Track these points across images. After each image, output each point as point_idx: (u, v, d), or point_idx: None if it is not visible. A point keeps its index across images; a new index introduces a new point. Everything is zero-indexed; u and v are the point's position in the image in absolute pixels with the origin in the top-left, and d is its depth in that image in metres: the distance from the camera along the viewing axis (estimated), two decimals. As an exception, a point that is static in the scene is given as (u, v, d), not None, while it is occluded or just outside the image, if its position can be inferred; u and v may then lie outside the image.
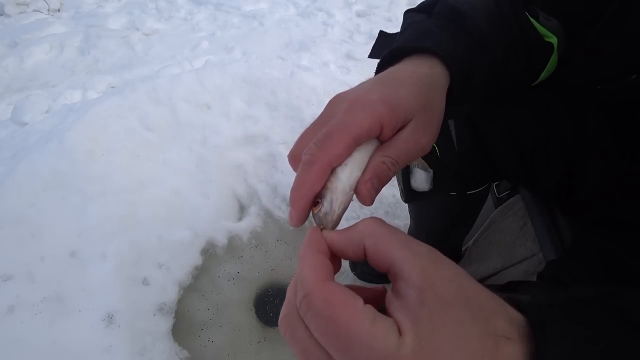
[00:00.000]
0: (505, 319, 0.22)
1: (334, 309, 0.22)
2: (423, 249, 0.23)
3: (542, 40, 0.45)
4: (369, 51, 0.58)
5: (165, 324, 0.95)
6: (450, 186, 0.68)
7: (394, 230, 0.25)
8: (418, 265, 0.22)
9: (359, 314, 0.21)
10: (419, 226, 0.93)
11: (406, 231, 1.04)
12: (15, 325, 0.88)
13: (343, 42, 2.33)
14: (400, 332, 0.21)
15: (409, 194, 0.68)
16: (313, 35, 2.42)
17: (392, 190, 1.23)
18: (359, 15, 2.70)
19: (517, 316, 0.23)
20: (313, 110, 1.40)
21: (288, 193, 1.46)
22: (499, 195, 0.94)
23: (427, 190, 0.66)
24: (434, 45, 0.34)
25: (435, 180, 0.65)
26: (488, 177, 0.70)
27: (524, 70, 0.46)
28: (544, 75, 0.48)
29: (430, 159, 0.59)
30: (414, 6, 0.47)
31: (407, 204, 0.89)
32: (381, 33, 0.49)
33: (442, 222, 0.86)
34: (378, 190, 0.29)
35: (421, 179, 0.66)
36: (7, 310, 0.90)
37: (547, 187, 0.57)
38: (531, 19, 0.44)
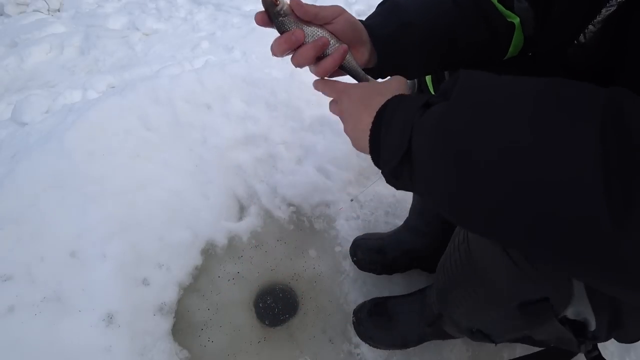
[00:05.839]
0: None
1: None
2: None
3: (504, 20, 0.56)
4: None
5: (165, 324, 0.95)
6: None
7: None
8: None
9: None
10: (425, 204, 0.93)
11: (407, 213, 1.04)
12: (15, 325, 0.88)
13: (343, 42, 2.33)
14: None
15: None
16: (313, 35, 2.41)
17: (392, 190, 1.23)
18: (359, 15, 2.68)
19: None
20: (313, 111, 1.40)
21: (288, 193, 1.43)
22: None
23: None
24: (367, 21, 0.57)
25: None
26: None
27: (487, 41, 0.57)
28: (512, 51, 0.59)
29: None
30: None
31: (411, 194, 0.91)
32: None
33: None
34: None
35: None
36: (7, 310, 0.90)
37: None
38: (494, 1, 0.57)
